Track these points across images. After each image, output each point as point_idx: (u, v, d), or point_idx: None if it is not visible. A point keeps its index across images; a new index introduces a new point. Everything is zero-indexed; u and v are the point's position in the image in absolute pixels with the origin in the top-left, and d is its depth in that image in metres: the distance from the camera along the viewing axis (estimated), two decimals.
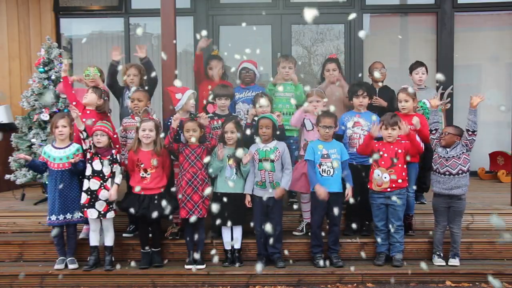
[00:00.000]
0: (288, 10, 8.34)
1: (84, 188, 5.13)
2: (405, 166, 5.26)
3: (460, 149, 5.15)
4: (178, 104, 5.49)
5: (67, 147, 5.24)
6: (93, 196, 5.12)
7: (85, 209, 5.11)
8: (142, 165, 5.14)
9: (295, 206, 5.87)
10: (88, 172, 5.15)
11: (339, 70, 6.21)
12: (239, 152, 5.08)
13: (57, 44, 7.12)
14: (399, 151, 5.22)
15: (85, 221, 5.28)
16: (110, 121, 5.58)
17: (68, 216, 5.19)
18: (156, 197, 5.10)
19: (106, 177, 5.17)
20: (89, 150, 5.16)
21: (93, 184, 5.13)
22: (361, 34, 6.61)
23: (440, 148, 5.23)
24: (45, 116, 6.36)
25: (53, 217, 5.16)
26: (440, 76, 4.93)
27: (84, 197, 5.12)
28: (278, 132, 5.34)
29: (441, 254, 5.29)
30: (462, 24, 8.48)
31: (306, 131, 5.69)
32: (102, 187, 5.14)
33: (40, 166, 5.25)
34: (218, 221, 5.17)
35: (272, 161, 5.22)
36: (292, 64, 6.05)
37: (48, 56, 6.62)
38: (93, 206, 5.11)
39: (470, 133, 5.08)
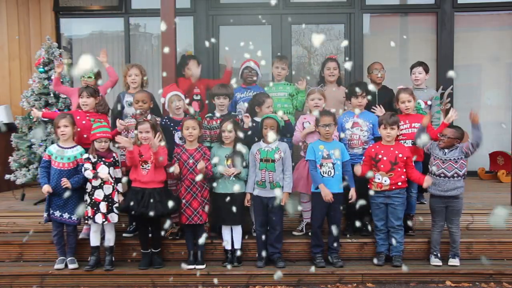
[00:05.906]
0: (288, 10, 8.32)
1: (100, 197, 5.12)
2: (404, 170, 5.24)
3: (459, 154, 5.15)
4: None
5: (71, 148, 5.24)
6: (109, 200, 5.14)
7: (107, 215, 5.12)
8: (142, 156, 5.12)
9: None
10: (97, 182, 5.14)
11: (339, 69, 6.26)
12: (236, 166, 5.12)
13: (57, 44, 7.11)
14: (400, 155, 5.21)
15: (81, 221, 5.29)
16: (106, 120, 5.58)
17: (66, 215, 5.17)
18: (155, 194, 5.06)
19: (114, 179, 5.20)
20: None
21: (107, 189, 5.15)
22: (347, 65, 6.56)
23: (437, 150, 5.22)
24: None
25: (56, 213, 5.16)
26: (452, 74, 4.88)
27: (103, 205, 5.12)
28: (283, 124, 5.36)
29: (438, 254, 5.28)
30: (462, 24, 8.47)
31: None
32: (115, 190, 5.19)
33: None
34: (218, 221, 5.14)
35: (273, 161, 5.21)
36: (285, 65, 6.17)
37: (48, 56, 6.62)
38: (112, 211, 5.15)
39: (475, 146, 5.10)
